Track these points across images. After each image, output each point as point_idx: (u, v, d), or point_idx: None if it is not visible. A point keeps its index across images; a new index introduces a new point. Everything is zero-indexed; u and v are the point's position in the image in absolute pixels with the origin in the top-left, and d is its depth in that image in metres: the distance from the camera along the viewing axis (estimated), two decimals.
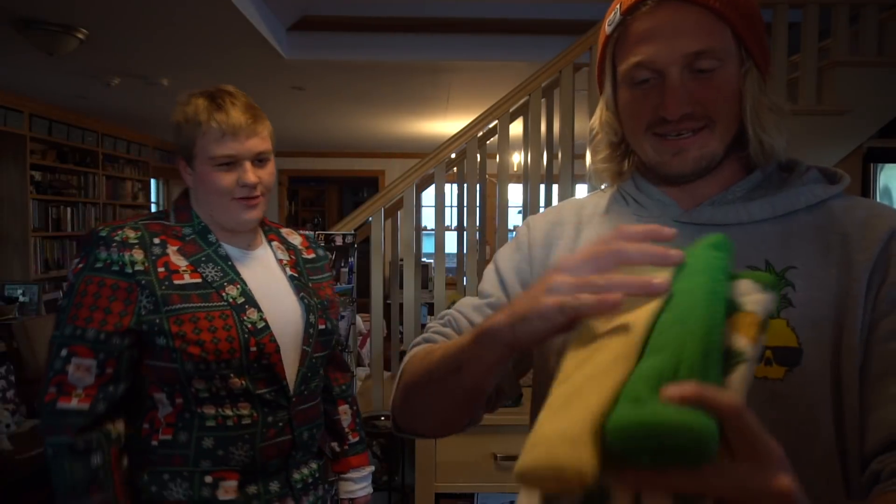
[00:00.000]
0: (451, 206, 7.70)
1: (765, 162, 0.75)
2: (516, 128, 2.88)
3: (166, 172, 8.69)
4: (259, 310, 1.22)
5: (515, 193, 3.17)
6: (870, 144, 2.65)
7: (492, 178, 3.04)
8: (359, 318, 4.21)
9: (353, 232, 2.33)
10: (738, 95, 0.72)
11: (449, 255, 3.80)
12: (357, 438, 1.49)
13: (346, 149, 8.81)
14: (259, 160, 1.23)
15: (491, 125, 2.72)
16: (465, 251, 2.92)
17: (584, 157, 5.96)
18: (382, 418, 2.32)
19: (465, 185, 2.76)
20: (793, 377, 0.65)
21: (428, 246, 7.09)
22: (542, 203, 2.86)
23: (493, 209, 5.85)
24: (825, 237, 0.70)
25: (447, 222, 3.25)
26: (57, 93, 5.27)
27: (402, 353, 2.48)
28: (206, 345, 1.14)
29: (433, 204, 2.61)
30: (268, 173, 1.25)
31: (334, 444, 1.47)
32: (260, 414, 1.20)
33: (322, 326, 1.32)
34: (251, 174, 1.20)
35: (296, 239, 1.42)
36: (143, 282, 1.15)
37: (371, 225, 2.55)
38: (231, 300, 1.19)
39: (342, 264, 2.23)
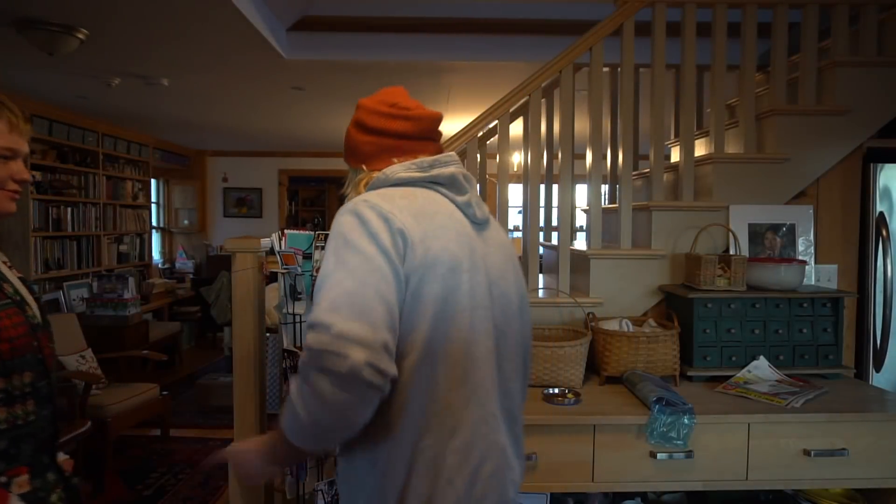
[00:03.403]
0: None
1: None
2: (516, 128, 2.87)
3: (166, 172, 8.68)
4: (30, 305, 1.25)
5: (515, 193, 3.17)
6: (870, 144, 2.64)
7: (492, 178, 3.04)
8: None
9: None
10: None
11: None
12: None
13: None
14: (24, 160, 1.29)
15: (491, 125, 2.71)
16: None
17: (584, 157, 5.95)
18: None
19: None
20: None
21: None
22: (542, 203, 2.85)
23: (493, 209, 5.85)
24: None
25: None
26: (57, 93, 5.27)
27: None
28: (14, 341, 1.16)
29: None
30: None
31: None
32: (39, 409, 1.24)
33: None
34: (26, 172, 1.26)
35: None
36: None
37: None
38: (12, 296, 1.22)
39: None
